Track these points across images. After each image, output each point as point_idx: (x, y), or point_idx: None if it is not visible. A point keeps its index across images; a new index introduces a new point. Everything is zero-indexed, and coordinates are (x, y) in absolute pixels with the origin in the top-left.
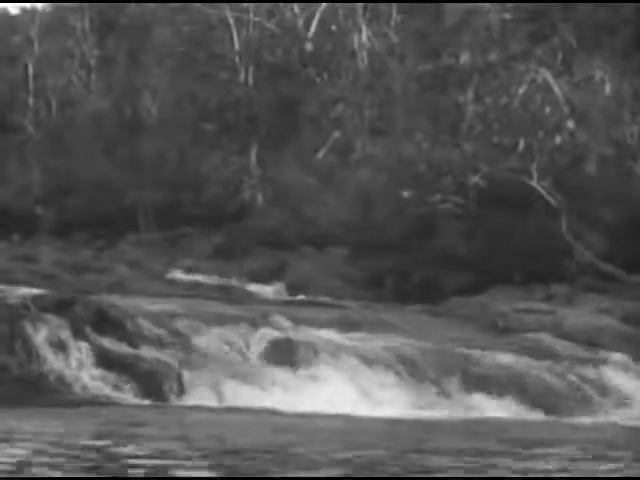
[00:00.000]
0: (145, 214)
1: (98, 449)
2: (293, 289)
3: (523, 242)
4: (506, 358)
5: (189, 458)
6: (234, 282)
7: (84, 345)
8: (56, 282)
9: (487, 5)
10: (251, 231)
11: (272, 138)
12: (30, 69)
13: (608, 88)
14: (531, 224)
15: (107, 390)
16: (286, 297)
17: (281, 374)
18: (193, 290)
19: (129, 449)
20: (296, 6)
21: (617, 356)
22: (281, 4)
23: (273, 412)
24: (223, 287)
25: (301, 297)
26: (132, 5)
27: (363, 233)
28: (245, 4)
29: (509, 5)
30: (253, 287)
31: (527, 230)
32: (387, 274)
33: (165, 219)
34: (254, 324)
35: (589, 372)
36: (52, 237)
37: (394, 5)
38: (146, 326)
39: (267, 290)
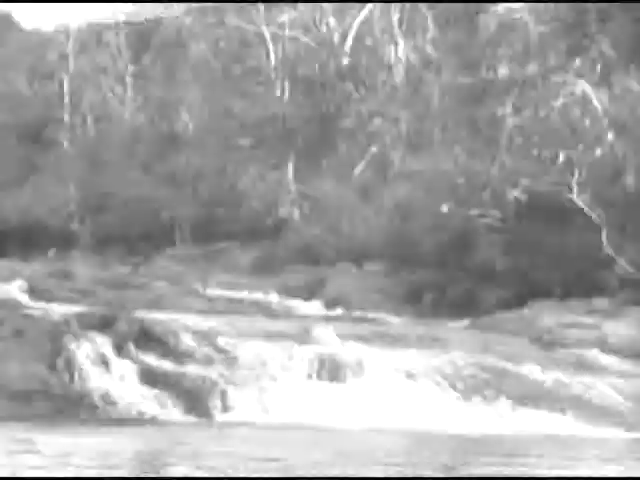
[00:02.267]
0: (182, 229)
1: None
2: (332, 304)
3: (563, 256)
4: (553, 373)
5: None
6: (273, 297)
7: (127, 362)
8: (95, 298)
9: (524, 17)
10: (288, 246)
11: (309, 153)
12: (65, 85)
13: None
14: (571, 238)
15: (151, 407)
16: (326, 312)
17: (325, 389)
18: (232, 305)
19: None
20: (332, 20)
21: None
22: (317, 19)
23: (317, 428)
24: (262, 302)
25: (341, 312)
26: (168, 20)
27: (401, 248)
28: (280, 19)
29: (546, 17)
30: (292, 302)
31: (567, 244)
32: (426, 288)
33: (202, 234)
34: (298, 339)
35: (636, 386)
36: (88, 253)
37: (430, 18)
38: (189, 342)
39: (306, 305)
